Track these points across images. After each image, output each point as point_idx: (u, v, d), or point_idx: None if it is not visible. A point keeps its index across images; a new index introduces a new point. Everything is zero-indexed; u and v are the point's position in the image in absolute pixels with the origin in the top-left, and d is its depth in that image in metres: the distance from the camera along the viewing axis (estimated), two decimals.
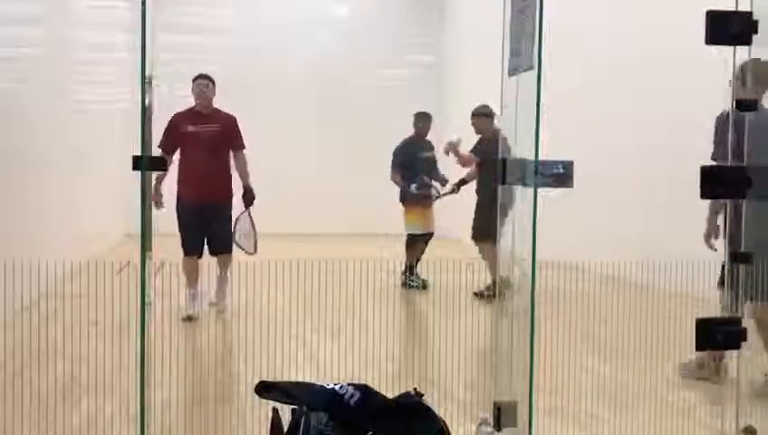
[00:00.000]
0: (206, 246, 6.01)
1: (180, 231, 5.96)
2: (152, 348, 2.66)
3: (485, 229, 6.69)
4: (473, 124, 7.17)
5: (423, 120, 8.04)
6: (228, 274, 6.05)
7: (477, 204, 7.17)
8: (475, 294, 6.91)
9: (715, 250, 4.20)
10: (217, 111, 6.07)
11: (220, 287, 6.07)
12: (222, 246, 6.00)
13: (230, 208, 6.02)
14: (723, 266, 4.09)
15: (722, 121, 4.12)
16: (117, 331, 3.71)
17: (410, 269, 7.74)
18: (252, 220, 6.06)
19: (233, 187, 6.10)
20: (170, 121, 6.00)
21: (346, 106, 13.37)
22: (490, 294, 6.66)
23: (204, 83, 6.01)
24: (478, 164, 7.07)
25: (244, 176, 6.10)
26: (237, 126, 6.12)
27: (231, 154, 6.09)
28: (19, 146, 6.10)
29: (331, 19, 13.79)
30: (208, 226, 5.96)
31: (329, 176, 12.96)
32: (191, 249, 5.94)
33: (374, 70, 13.82)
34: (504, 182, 2.47)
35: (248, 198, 6.04)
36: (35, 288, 3.40)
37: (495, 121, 6.68)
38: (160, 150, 5.79)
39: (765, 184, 3.95)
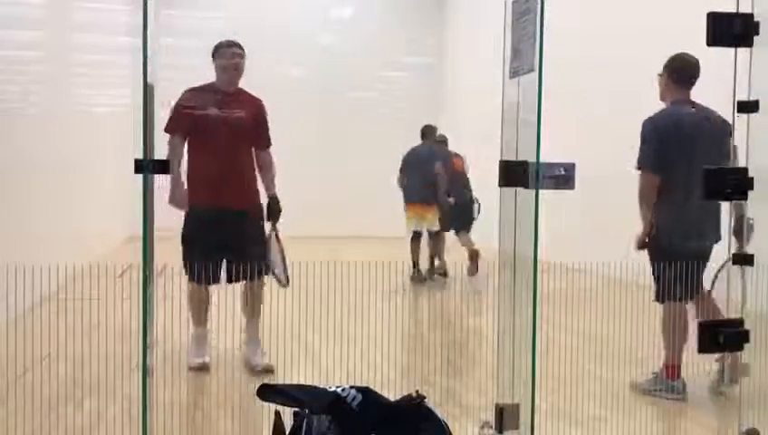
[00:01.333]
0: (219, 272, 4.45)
1: (187, 250, 4.47)
2: (155, 350, 2.67)
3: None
4: None
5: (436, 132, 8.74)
6: (260, 326, 4.57)
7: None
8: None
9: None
10: (242, 91, 4.67)
11: (251, 346, 4.52)
12: (251, 270, 4.39)
13: (262, 219, 4.59)
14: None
15: (665, 128, 4.08)
16: (119, 333, 3.71)
17: (432, 264, 8.41)
18: (281, 244, 4.63)
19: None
20: (181, 99, 4.54)
21: (347, 108, 13.38)
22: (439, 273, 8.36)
23: (239, 53, 4.61)
24: None
25: (269, 182, 4.70)
26: (266, 114, 4.70)
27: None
28: (21, 148, 6.11)
29: (332, 22, 13.80)
30: (231, 242, 4.35)
31: (331, 178, 12.96)
32: (204, 275, 4.34)
33: (375, 72, 13.83)
34: (506, 184, 2.47)
35: (275, 210, 4.63)
36: (38, 291, 3.40)
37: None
38: (167, 133, 4.44)
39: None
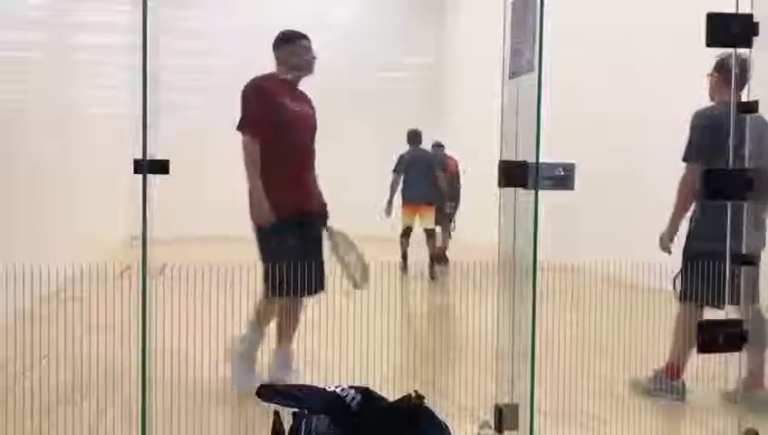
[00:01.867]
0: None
1: (272, 261, 3.85)
2: (154, 352, 2.66)
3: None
4: None
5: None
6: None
7: None
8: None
9: (671, 253, 4.13)
10: (299, 89, 4.26)
11: (284, 363, 4.12)
12: (322, 279, 3.99)
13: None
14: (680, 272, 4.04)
15: (709, 121, 4.03)
16: (119, 334, 3.71)
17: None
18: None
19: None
20: (259, 89, 3.97)
21: (346, 108, 13.36)
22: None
23: (310, 46, 4.24)
24: None
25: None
26: None
27: None
28: (20, 149, 6.11)
29: (332, 22, 13.78)
30: (312, 247, 4.02)
31: (329, 178, 12.94)
32: (289, 285, 3.79)
33: (374, 72, 13.82)
34: (506, 185, 2.47)
35: (325, 216, 4.35)
36: (37, 291, 3.40)
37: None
38: (244, 134, 3.90)
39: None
